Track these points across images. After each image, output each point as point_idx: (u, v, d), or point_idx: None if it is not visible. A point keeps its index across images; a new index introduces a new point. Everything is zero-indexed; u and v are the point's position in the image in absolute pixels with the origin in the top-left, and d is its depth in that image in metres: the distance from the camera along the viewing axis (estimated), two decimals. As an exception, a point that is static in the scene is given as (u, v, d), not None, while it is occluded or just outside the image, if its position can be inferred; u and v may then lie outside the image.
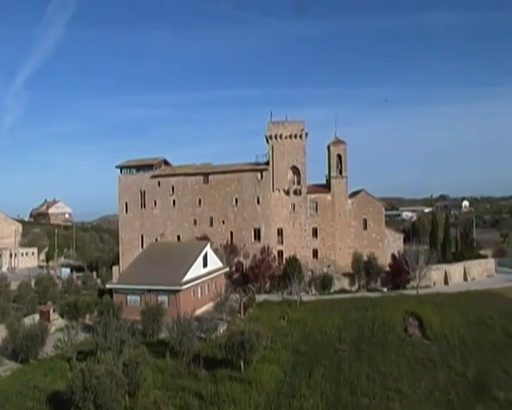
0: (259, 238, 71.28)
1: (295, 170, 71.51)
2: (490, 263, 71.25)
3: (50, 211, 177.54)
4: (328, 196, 71.27)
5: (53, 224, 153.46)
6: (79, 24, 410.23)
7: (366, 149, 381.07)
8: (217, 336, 42.30)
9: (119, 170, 78.55)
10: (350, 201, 71.53)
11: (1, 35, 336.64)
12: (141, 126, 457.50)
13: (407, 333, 45.68)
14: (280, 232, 71.40)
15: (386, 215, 78.88)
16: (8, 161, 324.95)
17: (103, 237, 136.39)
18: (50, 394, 30.89)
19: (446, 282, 63.94)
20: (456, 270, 66.15)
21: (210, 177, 73.93)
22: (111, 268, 77.03)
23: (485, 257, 75.58)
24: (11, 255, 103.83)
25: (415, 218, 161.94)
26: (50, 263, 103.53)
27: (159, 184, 75.91)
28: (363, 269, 64.31)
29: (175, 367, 36.21)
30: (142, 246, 72.90)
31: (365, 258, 65.24)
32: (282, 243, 71.07)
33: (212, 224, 73.10)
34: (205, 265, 56.96)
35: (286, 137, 71.31)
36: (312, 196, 71.27)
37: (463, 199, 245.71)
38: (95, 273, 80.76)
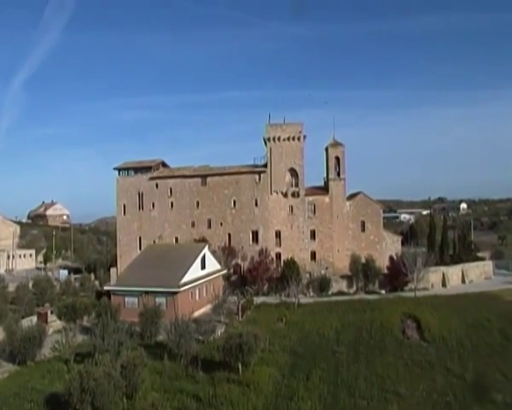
0: (257, 240, 71.22)
1: (293, 172, 71.55)
2: (488, 265, 71.43)
3: (48, 213, 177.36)
4: (326, 199, 71.33)
5: (51, 226, 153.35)
6: (77, 27, 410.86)
7: (364, 151, 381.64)
8: (215, 338, 42.19)
9: (117, 172, 78.42)
10: (348, 203, 71.62)
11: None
12: (139, 129, 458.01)
13: (405, 335, 45.74)
14: (278, 234, 71.40)
15: (384, 217, 78.93)
16: (6, 164, 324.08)
17: (101, 239, 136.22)
18: (48, 396, 30.83)
19: (444, 284, 64.03)
20: (453, 272, 66.25)
21: (208, 179, 73.90)
22: (109, 270, 76.90)
23: (482, 259, 75.72)
24: (9, 257, 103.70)
25: (413, 220, 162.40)
26: (48, 265, 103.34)
27: (157, 186, 75.84)
28: (361, 271, 64.29)
29: (173, 369, 36.18)
30: (140, 248, 72.76)
31: (363, 260, 65.19)
32: (280, 245, 71.07)
33: (210, 226, 73.04)
34: (203, 267, 56.93)
35: (284, 140, 71.34)
36: (310, 198, 71.32)
37: (461, 201, 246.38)
38: (92, 275, 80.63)
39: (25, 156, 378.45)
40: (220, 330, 44.46)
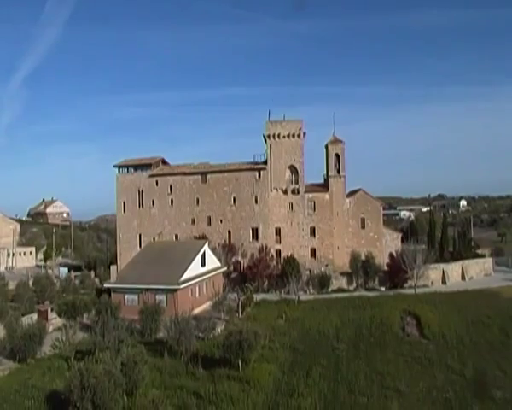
0: (257, 237, 71.28)
1: (293, 169, 71.57)
2: (487, 262, 71.32)
3: (48, 210, 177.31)
4: (326, 196, 71.35)
5: (51, 223, 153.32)
6: (77, 22, 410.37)
7: (364, 148, 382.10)
8: (215, 335, 42.25)
9: (117, 169, 78.45)
10: (348, 200, 71.65)
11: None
12: (139, 125, 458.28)
13: (405, 332, 45.71)
14: (278, 231, 71.46)
15: (384, 214, 78.99)
16: (6, 160, 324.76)
17: (101, 237, 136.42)
18: (48, 393, 30.88)
19: (444, 281, 64.00)
20: (453, 269, 66.19)
21: (208, 176, 73.91)
22: (109, 267, 76.95)
23: (482, 256, 75.67)
24: (9, 255, 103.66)
25: (412, 217, 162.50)
26: (48, 262, 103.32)
27: (157, 183, 75.88)
28: (361, 268, 64.33)
29: (173, 366, 36.20)
30: (140, 245, 72.86)
31: (363, 257, 65.23)
32: (280, 242, 71.14)
33: (210, 223, 73.10)
34: (203, 264, 56.93)
35: (284, 137, 71.35)
36: (310, 195, 71.34)
37: (461, 198, 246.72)
38: (93, 273, 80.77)
39: (25, 153, 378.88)
40: (220, 328, 44.50)
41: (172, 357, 37.47)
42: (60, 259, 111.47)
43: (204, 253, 57.70)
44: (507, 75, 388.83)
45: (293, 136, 71.31)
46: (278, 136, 71.42)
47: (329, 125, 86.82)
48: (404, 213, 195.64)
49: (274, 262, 68.03)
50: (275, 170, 71.44)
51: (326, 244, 70.63)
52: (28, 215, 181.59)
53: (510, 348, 41.98)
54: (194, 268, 54.19)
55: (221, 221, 72.79)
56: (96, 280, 75.11)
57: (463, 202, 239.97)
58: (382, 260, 66.78)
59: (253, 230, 71.85)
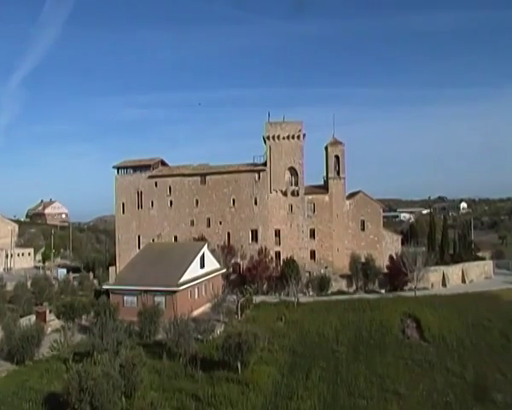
0: (257, 239, 71.18)
1: (293, 171, 71.52)
2: (488, 265, 71.39)
3: (47, 211, 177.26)
4: (326, 197, 71.33)
5: (49, 224, 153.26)
6: (76, 23, 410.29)
7: (364, 149, 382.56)
8: (214, 337, 42.24)
9: (115, 170, 78.39)
10: (348, 202, 71.64)
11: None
12: (138, 126, 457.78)
13: (405, 335, 45.78)
14: (277, 233, 71.37)
15: (384, 216, 78.95)
16: (5, 161, 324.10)
17: (100, 238, 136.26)
18: (46, 395, 30.77)
19: (444, 284, 64.01)
20: (454, 272, 66.20)
21: (207, 177, 73.84)
22: (107, 269, 76.90)
23: (483, 259, 75.69)
24: (7, 256, 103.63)
25: (413, 219, 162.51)
26: (47, 264, 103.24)
27: (156, 184, 75.81)
28: (361, 270, 64.32)
29: (172, 369, 36.17)
30: (139, 247, 72.70)
31: (363, 259, 65.23)
32: (280, 244, 71.05)
33: (209, 224, 73.02)
34: (202, 266, 56.90)
35: (283, 138, 71.28)
36: (310, 197, 71.30)
37: (461, 201, 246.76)
38: (91, 274, 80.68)
39: (23, 153, 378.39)
40: (219, 330, 44.45)
41: (171, 359, 37.43)
42: (58, 260, 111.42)
43: (203, 254, 57.67)
44: (508, 77, 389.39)
45: (293, 137, 71.27)
46: (278, 137, 71.39)
47: (329, 126, 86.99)
48: (405, 216, 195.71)
49: (273, 264, 67.95)
50: (274, 172, 71.40)
51: (326, 246, 70.57)
52: (27, 216, 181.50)
53: (511, 352, 42.09)
54: (194, 270, 54.14)
55: (220, 223, 72.72)
56: (95, 282, 75.06)
57: (464, 205, 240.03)
58: (382, 262, 66.77)
59: (252, 231, 71.75)
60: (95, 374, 27.59)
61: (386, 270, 64.84)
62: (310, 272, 67.80)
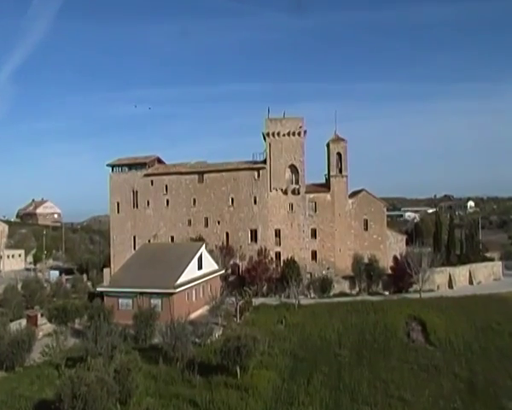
0: (256, 239, 71.23)
1: (293, 169, 71.52)
2: (496, 266, 71.28)
3: (38, 211, 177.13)
4: (328, 196, 71.31)
5: (41, 224, 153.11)
6: (68, 15, 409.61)
7: (367, 146, 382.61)
8: (212, 341, 42.23)
9: (110, 168, 78.40)
10: (350, 201, 71.59)
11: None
12: (133, 123, 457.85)
13: (410, 338, 45.73)
14: (277, 233, 71.38)
15: (387, 216, 78.93)
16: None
17: (94, 239, 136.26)
18: (37, 403, 30.72)
19: (451, 285, 64.00)
20: (461, 273, 66.17)
21: (205, 176, 73.86)
22: (102, 270, 76.92)
23: (491, 260, 75.56)
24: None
25: (418, 219, 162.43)
26: (38, 265, 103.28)
27: (152, 183, 75.80)
28: (364, 271, 64.39)
29: (168, 374, 36.15)
30: (135, 247, 72.75)
31: (366, 260, 65.35)
32: (280, 244, 71.06)
33: (207, 224, 73.03)
34: (199, 267, 56.93)
35: (284, 135, 71.30)
36: (311, 195, 71.30)
37: (469, 199, 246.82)
38: (85, 276, 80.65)
39: (13, 152, 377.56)
40: (218, 333, 44.45)
41: (168, 364, 37.40)
42: (50, 262, 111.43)
43: (201, 255, 57.71)
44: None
45: (294, 134, 71.28)
46: (278, 134, 71.39)
47: (331, 122, 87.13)
48: (409, 215, 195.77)
49: (273, 265, 68.00)
50: (274, 169, 71.39)
51: (327, 247, 70.57)
52: (17, 216, 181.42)
53: (522, 356, 41.86)
54: (191, 271, 54.15)
55: (219, 222, 72.73)
56: (89, 284, 75.03)
57: (471, 203, 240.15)
58: (386, 263, 66.75)
59: (251, 231, 71.77)
60: (88, 380, 27.51)
61: (390, 271, 64.85)
62: (311, 274, 67.83)
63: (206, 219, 73.18)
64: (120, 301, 51.18)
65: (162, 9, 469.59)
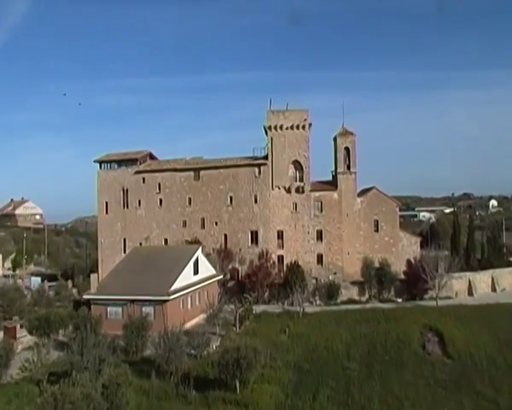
0: (257, 242, 71.35)
1: (297, 165, 71.61)
2: (523, 272, 70.99)
3: (17, 212, 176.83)
4: (335, 195, 71.39)
5: (21, 226, 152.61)
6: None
7: (378, 140, 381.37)
8: (209, 352, 42.22)
9: (97, 165, 78.50)
10: (359, 199, 71.66)
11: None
12: (123, 115, 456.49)
13: (425, 350, 45.83)
14: (280, 235, 71.48)
15: (400, 216, 79.09)
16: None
17: (80, 242, 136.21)
18: (16, 423, 30.64)
19: (471, 293, 64.03)
20: (482, 279, 66.14)
21: (201, 173, 73.96)
22: (88, 276, 76.90)
23: (517, 265, 75.39)
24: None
25: (434, 219, 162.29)
26: (18, 271, 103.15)
27: (143, 180, 75.93)
28: (375, 277, 64.53)
29: (161, 389, 36.18)
30: (125, 251, 72.84)
31: (377, 264, 65.50)
32: (283, 247, 71.17)
33: (203, 226, 73.13)
34: (195, 272, 56.98)
35: (287, 128, 71.41)
36: (317, 194, 71.40)
37: (491, 198, 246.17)
38: (70, 282, 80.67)
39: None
40: (215, 344, 44.49)
41: (161, 378, 37.40)
42: (31, 267, 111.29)
43: (197, 259, 57.77)
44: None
45: (298, 127, 71.36)
46: (281, 127, 71.47)
47: (338, 114, 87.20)
48: (424, 215, 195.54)
49: (276, 270, 68.07)
50: (277, 166, 71.47)
51: (334, 250, 70.65)
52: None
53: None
54: (186, 277, 54.18)
55: (216, 224, 72.83)
56: (74, 291, 75.06)
57: (493, 202, 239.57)
58: (399, 267, 66.85)
59: (252, 233, 71.88)
60: (73, 397, 27.43)
61: (403, 276, 65.00)
62: (317, 279, 67.97)
63: (203, 220, 73.26)
64: (109, 309, 51.17)
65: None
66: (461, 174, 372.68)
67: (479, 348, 45.01)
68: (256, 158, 73.59)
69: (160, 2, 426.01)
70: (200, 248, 60.62)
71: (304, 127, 71.50)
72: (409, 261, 65.35)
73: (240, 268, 69.72)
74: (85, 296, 56.34)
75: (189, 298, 54.15)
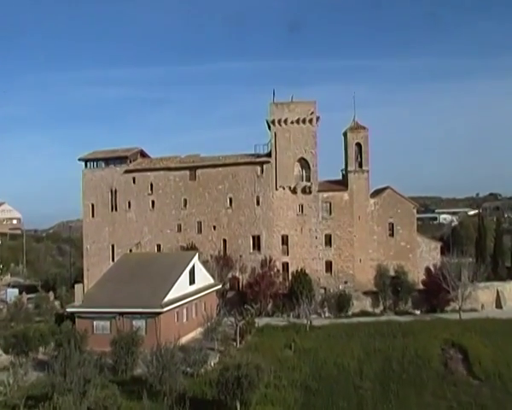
0: (259, 248, 71.52)
1: (304, 163, 71.79)
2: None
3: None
4: (345, 195, 71.48)
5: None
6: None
7: (393, 136, 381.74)
8: (207, 370, 42.37)
9: (83, 163, 78.75)
10: (372, 201, 71.75)
11: None
12: (111, 110, 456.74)
13: (448, 369, 45.73)
14: (285, 240, 71.61)
15: (418, 219, 79.21)
16: None
17: (63, 249, 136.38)
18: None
19: (499, 305, 64.08)
20: (511, 290, 66.12)
21: (198, 172, 74.14)
22: (73, 287, 76.39)
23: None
24: None
25: (456, 222, 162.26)
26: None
27: (134, 180, 76.09)
28: (390, 286, 64.64)
29: (154, 411, 36.19)
30: (113, 259, 73.06)
31: (392, 272, 65.65)
32: (288, 253, 71.30)
33: (200, 230, 73.29)
34: (192, 281, 57.06)
35: (292, 122, 71.62)
36: (325, 194, 71.55)
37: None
38: (51, 294, 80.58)
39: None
40: (213, 361, 44.69)
41: (153, 399, 37.35)
42: (8, 278, 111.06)
43: (193, 267, 57.85)
44: None
45: (304, 121, 71.55)
46: (285, 121, 71.66)
47: (349, 107, 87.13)
48: (445, 218, 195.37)
49: (280, 278, 68.34)
50: (281, 164, 71.62)
51: (345, 256, 70.71)
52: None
53: None
54: (181, 287, 54.24)
55: (214, 228, 72.98)
56: (56, 304, 75.02)
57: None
58: (417, 276, 67.03)
59: (253, 238, 72.04)
60: (54, 423, 27.46)
61: (421, 286, 65.11)
62: (325, 289, 68.11)
63: (200, 224, 73.42)
64: (95, 323, 51.21)
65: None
66: (487, 172, 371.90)
67: (509, 367, 44.79)
68: (258, 155, 73.77)
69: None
70: (197, 255, 60.65)
71: (311, 121, 71.62)
72: (428, 269, 65.39)
73: (240, 277, 69.89)
74: (69, 309, 56.28)
75: (185, 310, 54.17)
